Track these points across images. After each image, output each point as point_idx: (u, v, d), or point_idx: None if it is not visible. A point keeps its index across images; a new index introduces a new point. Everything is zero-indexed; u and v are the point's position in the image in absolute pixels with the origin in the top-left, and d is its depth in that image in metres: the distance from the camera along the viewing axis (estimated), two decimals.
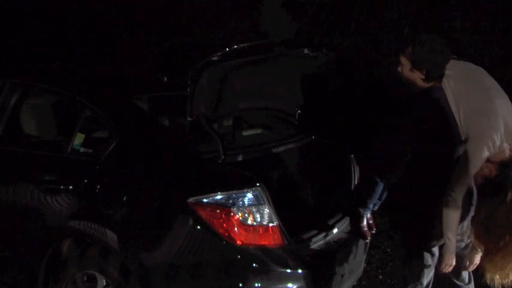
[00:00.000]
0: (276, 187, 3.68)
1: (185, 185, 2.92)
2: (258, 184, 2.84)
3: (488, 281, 2.76)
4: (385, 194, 3.30)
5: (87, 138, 3.41)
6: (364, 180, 3.36)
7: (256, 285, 2.77)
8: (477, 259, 2.95)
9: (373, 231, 3.39)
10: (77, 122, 3.33)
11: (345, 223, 3.48)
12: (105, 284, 3.05)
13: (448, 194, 2.81)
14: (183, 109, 3.07)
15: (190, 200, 2.79)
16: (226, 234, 2.76)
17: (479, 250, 2.86)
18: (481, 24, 7.41)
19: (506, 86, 7.36)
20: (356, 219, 3.31)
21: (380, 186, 3.18)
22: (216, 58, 3.01)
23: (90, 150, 3.34)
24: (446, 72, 2.91)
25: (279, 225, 2.89)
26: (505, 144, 2.78)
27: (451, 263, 2.95)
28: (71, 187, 3.11)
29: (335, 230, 3.35)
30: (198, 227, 2.79)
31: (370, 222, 3.39)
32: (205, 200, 2.79)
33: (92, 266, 3.07)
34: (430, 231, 3.01)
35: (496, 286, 2.75)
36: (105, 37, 8.33)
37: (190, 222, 2.80)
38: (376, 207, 3.36)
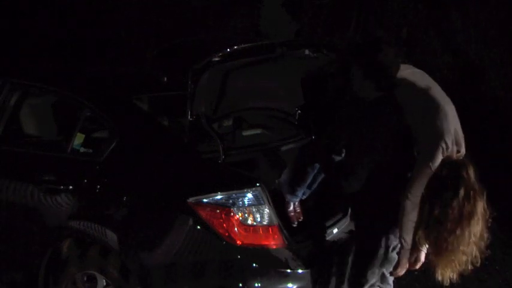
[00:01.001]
0: (276, 187, 3.68)
1: (185, 185, 2.92)
2: (258, 184, 2.84)
3: (439, 277, 2.87)
4: (315, 184, 3.41)
5: (87, 138, 3.41)
6: (296, 169, 3.40)
7: (256, 285, 2.77)
8: (422, 256, 2.97)
9: (301, 219, 3.42)
10: (77, 122, 3.33)
11: (345, 223, 3.48)
12: (105, 284, 3.05)
13: (405, 196, 2.85)
14: (183, 109, 3.07)
15: (190, 200, 2.79)
16: (226, 234, 2.76)
17: (423, 248, 2.92)
18: (480, 24, 7.41)
19: (506, 85, 7.35)
20: (284, 205, 3.39)
21: (310, 176, 3.29)
22: (216, 58, 3.01)
23: (90, 150, 3.34)
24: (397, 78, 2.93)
25: (279, 225, 2.89)
26: (455, 148, 2.86)
27: (406, 266, 2.98)
28: (71, 187, 3.10)
29: (335, 230, 3.35)
30: (198, 227, 2.79)
31: (298, 210, 3.44)
32: (205, 200, 2.79)
33: (92, 266, 3.06)
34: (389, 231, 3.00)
35: (445, 280, 2.87)
36: (104, 37, 8.33)
37: (190, 222, 2.80)
38: (305, 196, 3.44)
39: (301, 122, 3.95)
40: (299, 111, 3.92)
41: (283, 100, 3.82)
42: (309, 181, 3.38)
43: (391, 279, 3.28)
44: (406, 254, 2.93)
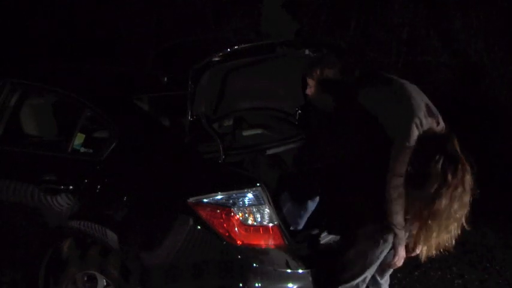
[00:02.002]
0: (276, 187, 3.68)
1: (185, 185, 2.92)
2: (258, 184, 2.84)
3: (421, 253, 2.89)
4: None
5: (88, 138, 3.41)
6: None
7: (256, 285, 2.77)
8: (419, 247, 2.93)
9: None
10: (77, 122, 3.34)
11: None
12: (105, 284, 3.05)
13: (388, 179, 2.78)
14: (183, 109, 3.07)
15: (191, 200, 2.79)
16: (227, 234, 2.76)
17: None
18: (481, 24, 7.41)
19: (506, 85, 7.34)
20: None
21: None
22: (216, 58, 3.01)
23: (91, 150, 3.34)
24: None
25: (279, 225, 2.89)
26: (429, 120, 2.83)
27: (403, 254, 2.90)
28: (71, 187, 3.10)
29: None
30: (198, 227, 2.79)
31: None
32: (205, 200, 2.79)
33: (92, 266, 3.07)
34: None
35: (425, 256, 2.89)
36: (105, 37, 8.33)
37: (191, 222, 2.80)
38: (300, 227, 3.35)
39: (301, 122, 3.95)
40: (299, 111, 3.92)
41: (283, 100, 3.82)
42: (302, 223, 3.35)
43: (385, 284, 3.27)
44: (401, 242, 2.85)
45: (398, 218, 2.79)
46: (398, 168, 2.77)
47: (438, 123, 2.88)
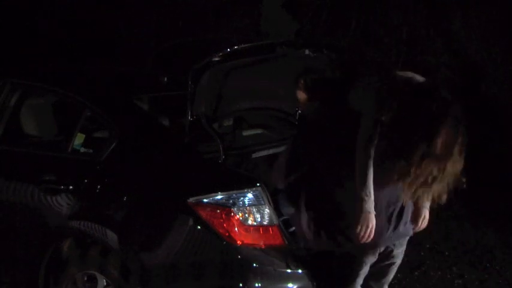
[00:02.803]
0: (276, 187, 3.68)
1: (185, 185, 2.93)
2: (258, 184, 2.84)
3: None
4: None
5: (88, 138, 3.41)
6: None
7: (256, 285, 2.77)
8: (426, 213, 2.90)
9: None
10: (77, 122, 3.34)
11: None
12: (105, 284, 3.05)
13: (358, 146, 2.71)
14: (183, 109, 3.07)
15: (191, 200, 2.79)
16: (227, 234, 2.76)
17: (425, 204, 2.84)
18: (481, 24, 7.41)
19: (506, 85, 7.34)
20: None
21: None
22: (216, 58, 3.02)
23: (91, 150, 3.34)
24: None
25: (279, 225, 2.89)
26: (404, 75, 2.79)
27: (368, 223, 2.70)
28: (71, 187, 3.11)
29: None
30: (198, 227, 2.79)
31: None
32: (205, 200, 2.79)
33: (92, 266, 3.07)
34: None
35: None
36: (105, 37, 8.34)
37: (191, 222, 2.80)
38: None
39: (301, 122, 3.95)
40: (299, 111, 3.92)
41: (283, 100, 3.82)
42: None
43: None
44: (367, 209, 2.68)
45: (366, 188, 2.69)
46: (363, 134, 2.70)
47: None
